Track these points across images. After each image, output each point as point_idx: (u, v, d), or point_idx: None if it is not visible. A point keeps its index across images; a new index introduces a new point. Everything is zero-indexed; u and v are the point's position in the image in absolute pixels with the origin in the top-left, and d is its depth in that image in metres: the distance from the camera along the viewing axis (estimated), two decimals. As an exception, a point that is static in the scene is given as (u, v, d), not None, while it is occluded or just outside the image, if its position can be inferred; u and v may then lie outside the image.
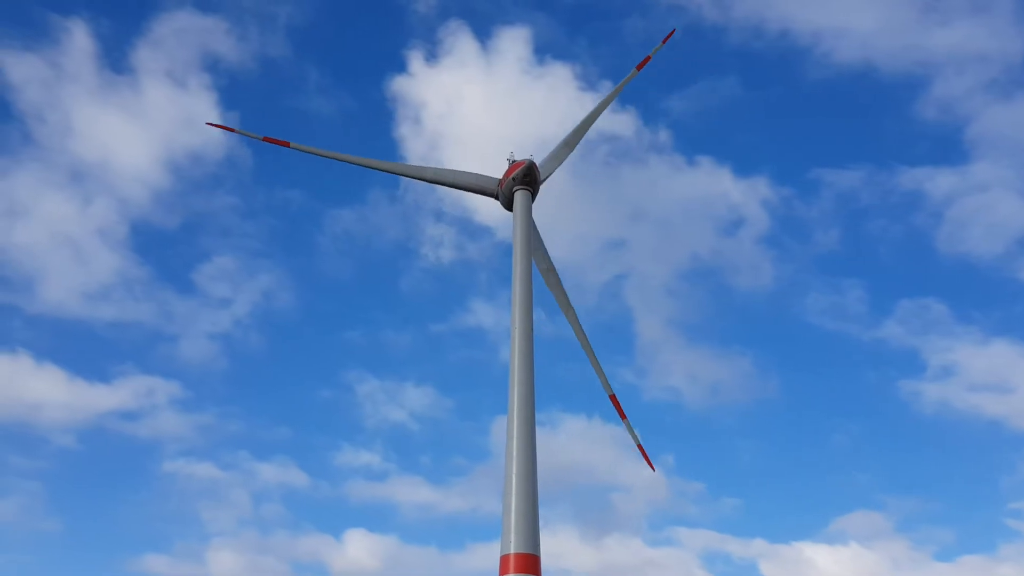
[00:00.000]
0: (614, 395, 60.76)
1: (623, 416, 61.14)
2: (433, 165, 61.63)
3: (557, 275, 59.96)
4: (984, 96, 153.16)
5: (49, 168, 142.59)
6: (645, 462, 63.27)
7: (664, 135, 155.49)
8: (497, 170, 58.88)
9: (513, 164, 57.42)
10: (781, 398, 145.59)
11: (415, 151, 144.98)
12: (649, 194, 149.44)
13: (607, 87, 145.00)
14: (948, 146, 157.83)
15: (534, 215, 57.19)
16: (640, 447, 62.63)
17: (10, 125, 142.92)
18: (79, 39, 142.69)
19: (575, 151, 61.71)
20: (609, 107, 64.42)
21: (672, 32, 68.32)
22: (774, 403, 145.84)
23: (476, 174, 59.27)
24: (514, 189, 56.52)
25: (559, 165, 59.48)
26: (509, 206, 57.11)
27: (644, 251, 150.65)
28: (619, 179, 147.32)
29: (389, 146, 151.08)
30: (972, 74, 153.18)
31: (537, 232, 58.54)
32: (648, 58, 65.42)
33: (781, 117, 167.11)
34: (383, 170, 61.52)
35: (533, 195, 56.88)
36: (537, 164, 57.08)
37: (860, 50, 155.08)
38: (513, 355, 50.63)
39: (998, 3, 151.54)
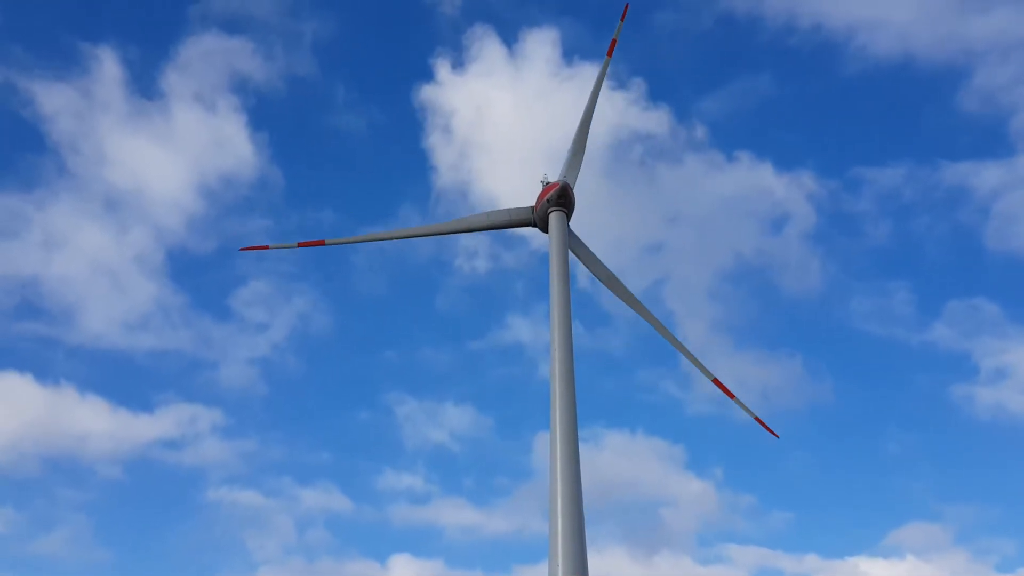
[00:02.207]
0: (716, 379, 59.83)
1: (731, 395, 60.60)
2: (461, 216, 59.61)
3: (620, 281, 58.38)
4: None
5: (84, 198, 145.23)
6: (767, 431, 62.69)
7: (700, 131, 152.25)
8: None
9: (547, 186, 56.22)
10: (831, 405, 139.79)
11: (445, 160, 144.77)
12: (687, 193, 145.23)
13: (639, 84, 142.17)
14: (992, 138, 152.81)
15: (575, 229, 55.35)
16: (758, 419, 61.71)
17: (45, 157, 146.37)
18: (108, 66, 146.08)
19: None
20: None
21: (626, 8, 63.43)
22: (824, 410, 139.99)
23: (508, 209, 58.56)
24: (549, 211, 55.40)
25: (577, 173, 58.51)
26: (546, 228, 56.22)
27: (684, 254, 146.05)
28: (655, 180, 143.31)
29: (419, 157, 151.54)
30: (1016, 62, 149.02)
31: (585, 246, 57.33)
32: (614, 41, 64.30)
33: (817, 115, 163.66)
34: (418, 235, 61.15)
35: (568, 215, 55.88)
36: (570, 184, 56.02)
37: (897, 42, 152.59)
38: (553, 379, 47.70)
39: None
